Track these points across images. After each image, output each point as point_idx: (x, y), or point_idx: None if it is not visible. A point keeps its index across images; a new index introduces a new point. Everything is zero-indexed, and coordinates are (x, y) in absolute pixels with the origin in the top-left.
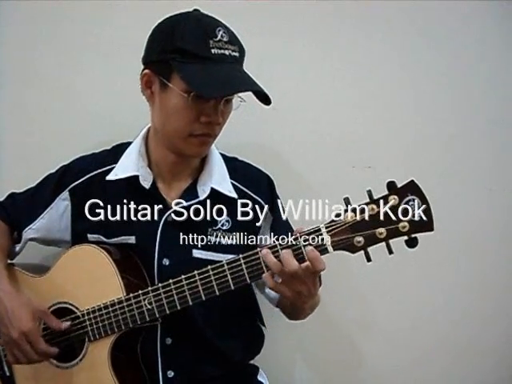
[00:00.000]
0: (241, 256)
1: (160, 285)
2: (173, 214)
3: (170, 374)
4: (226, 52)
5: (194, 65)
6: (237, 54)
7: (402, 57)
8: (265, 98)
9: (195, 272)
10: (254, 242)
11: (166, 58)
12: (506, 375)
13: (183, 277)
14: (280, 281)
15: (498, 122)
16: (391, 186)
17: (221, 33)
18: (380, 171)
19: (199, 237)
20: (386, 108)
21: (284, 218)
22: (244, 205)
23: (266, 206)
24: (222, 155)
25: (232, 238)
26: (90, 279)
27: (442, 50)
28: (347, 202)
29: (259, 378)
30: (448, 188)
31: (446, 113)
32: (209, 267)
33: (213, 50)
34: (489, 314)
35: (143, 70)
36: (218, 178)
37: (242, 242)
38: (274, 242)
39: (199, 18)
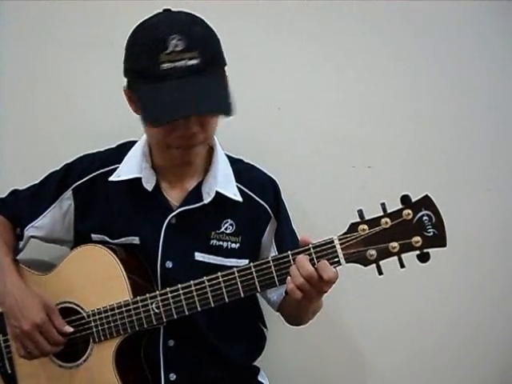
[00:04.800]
0: (252, 264)
1: (168, 289)
2: (176, 217)
3: (172, 376)
4: (178, 64)
5: (146, 86)
6: (195, 61)
7: (402, 57)
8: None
9: (204, 278)
10: (258, 247)
11: (128, 78)
12: (505, 375)
13: (192, 282)
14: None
15: (497, 122)
16: (405, 200)
17: (173, 42)
18: (380, 171)
19: (202, 240)
20: (386, 108)
21: (289, 223)
22: (249, 209)
23: (271, 211)
24: (227, 156)
25: (235, 242)
26: (97, 280)
27: (442, 50)
28: (361, 214)
29: (260, 378)
30: (447, 188)
31: (445, 113)
32: (219, 274)
33: (164, 65)
34: (488, 314)
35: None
36: (224, 181)
37: (245, 247)
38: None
39: (156, 25)
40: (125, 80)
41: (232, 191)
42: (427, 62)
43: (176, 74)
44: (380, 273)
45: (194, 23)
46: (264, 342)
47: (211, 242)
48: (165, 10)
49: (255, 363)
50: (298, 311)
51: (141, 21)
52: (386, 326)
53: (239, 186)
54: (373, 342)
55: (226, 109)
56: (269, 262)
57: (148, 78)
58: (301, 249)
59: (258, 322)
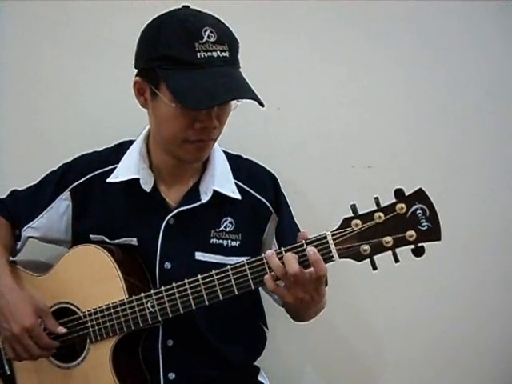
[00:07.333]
0: (245, 261)
1: (163, 288)
2: (174, 217)
3: (172, 376)
4: (214, 54)
5: (179, 72)
6: (226, 54)
7: (402, 57)
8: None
9: (199, 276)
10: (259, 244)
11: (153, 66)
12: (505, 375)
13: (186, 281)
14: (282, 285)
15: (498, 122)
16: (399, 193)
17: (207, 33)
18: (380, 171)
19: (202, 239)
20: (386, 108)
21: (290, 217)
22: (248, 206)
23: (271, 207)
24: (226, 153)
25: (236, 240)
26: (93, 280)
27: (442, 49)
28: (354, 209)
29: (260, 378)
30: (448, 188)
31: (445, 113)
32: (213, 272)
33: (199, 54)
34: (488, 314)
35: (135, 77)
36: (221, 179)
37: (246, 244)
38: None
39: (185, 18)
40: (131, 75)
41: (230, 189)
42: (428, 62)
43: (212, 63)
44: (374, 268)
45: (218, 20)
46: (264, 342)
47: (211, 240)
48: (184, 7)
49: (255, 363)
50: (296, 310)
51: (159, 14)
52: (386, 326)
53: (237, 182)
54: (373, 342)
55: (259, 98)
56: (262, 258)
57: (183, 64)
58: (294, 245)
59: (260, 321)
